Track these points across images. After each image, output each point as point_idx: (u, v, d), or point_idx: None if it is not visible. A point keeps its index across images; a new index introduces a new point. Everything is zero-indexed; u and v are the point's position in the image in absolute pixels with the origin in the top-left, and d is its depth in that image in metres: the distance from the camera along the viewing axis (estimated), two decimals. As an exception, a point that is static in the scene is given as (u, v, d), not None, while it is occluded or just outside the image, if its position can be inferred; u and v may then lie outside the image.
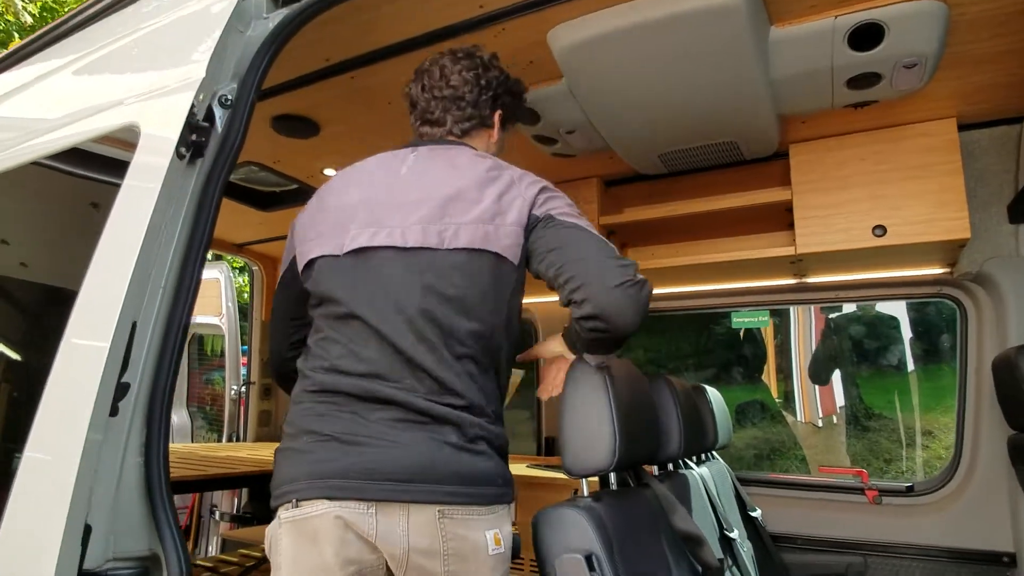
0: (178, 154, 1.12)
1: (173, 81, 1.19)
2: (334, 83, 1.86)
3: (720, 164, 2.30)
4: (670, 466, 1.90)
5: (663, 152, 2.09)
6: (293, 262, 1.33)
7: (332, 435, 1.11)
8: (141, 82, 1.32)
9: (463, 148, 1.33)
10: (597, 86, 1.72)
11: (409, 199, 1.22)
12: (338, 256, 1.21)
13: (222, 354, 4.13)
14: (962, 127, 1.98)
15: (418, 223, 1.19)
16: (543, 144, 2.08)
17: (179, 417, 4.50)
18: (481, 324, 1.17)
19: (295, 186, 2.74)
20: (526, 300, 2.98)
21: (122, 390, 0.98)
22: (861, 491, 2.40)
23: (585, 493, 1.23)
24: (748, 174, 2.38)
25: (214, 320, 4.10)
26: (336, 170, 2.50)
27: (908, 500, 2.33)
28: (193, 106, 1.13)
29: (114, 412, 0.95)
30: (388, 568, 1.08)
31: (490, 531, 1.08)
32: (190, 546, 3.64)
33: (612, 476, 1.38)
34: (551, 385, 1.36)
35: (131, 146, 1.18)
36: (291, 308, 1.36)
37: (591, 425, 1.19)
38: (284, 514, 1.09)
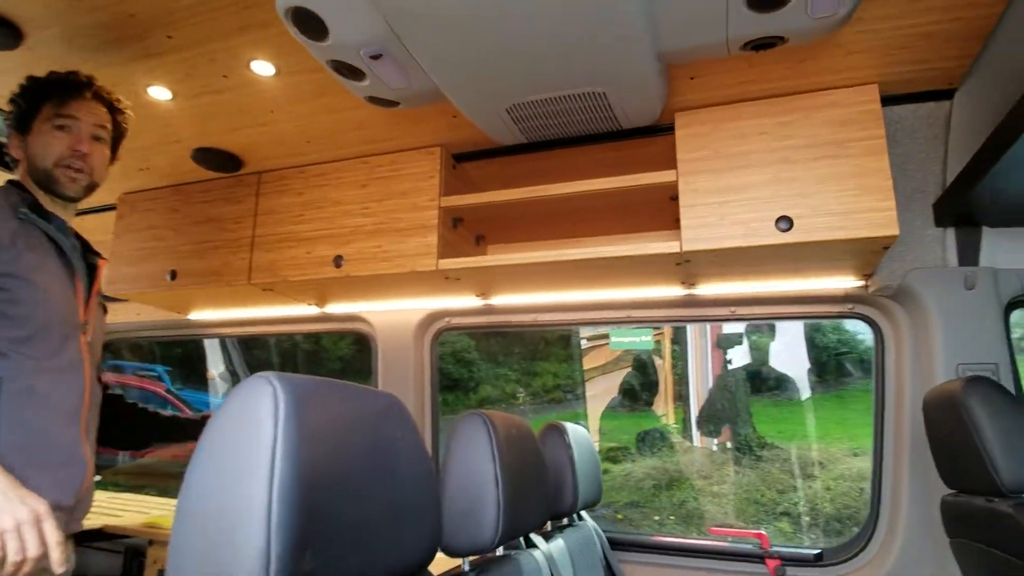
0: None
1: None
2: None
3: (593, 135, 1.78)
4: (500, 549, 1.30)
5: (512, 104, 1.54)
6: None
7: None
8: None
9: None
10: (400, -23, 1.15)
11: None
12: None
13: None
14: (884, 101, 1.57)
15: None
16: (345, 78, 1.47)
17: None
18: None
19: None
20: (360, 308, 2.33)
21: None
22: (760, 559, 1.90)
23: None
24: (630, 154, 1.88)
25: None
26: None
27: (817, 572, 1.85)
28: None
29: None
30: None
31: None
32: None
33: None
34: None
35: None
36: None
37: (224, 507, 0.56)
38: None
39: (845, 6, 1.18)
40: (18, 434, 1.18)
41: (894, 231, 1.43)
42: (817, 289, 1.88)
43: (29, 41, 1.51)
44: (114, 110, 1.48)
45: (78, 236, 1.47)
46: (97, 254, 1.49)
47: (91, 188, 1.43)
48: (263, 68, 1.57)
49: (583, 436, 1.78)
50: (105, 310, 1.58)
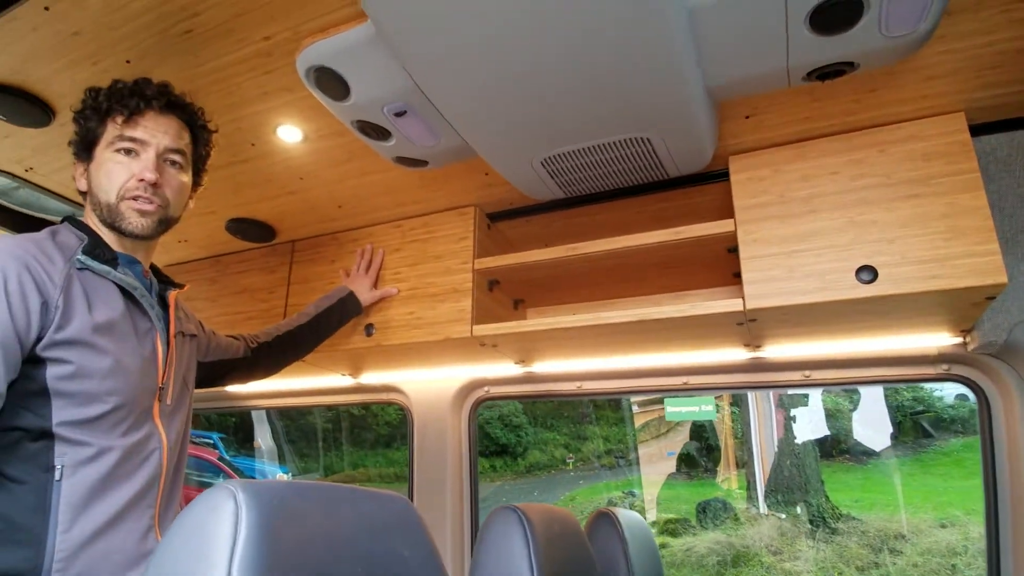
0: None
1: None
2: (23, 17, 1.17)
3: (638, 186, 1.64)
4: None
5: (547, 156, 1.42)
6: None
7: None
8: None
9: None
10: (420, 26, 1.06)
11: None
12: None
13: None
14: (972, 130, 1.38)
15: None
16: (372, 138, 1.39)
17: None
18: None
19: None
20: (395, 377, 2.20)
21: None
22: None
23: None
24: (679, 205, 1.73)
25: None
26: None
27: None
28: None
29: None
30: None
31: None
32: None
33: None
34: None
35: None
36: None
37: None
38: None
39: (926, 22, 1.03)
40: (72, 542, 1.00)
41: (1001, 279, 1.21)
42: (904, 348, 1.64)
43: (61, 117, 1.50)
44: (194, 124, 1.26)
45: (156, 270, 1.29)
46: (174, 284, 1.29)
47: (165, 223, 1.21)
48: (290, 134, 1.51)
49: (638, 524, 1.55)
50: (197, 332, 1.40)
